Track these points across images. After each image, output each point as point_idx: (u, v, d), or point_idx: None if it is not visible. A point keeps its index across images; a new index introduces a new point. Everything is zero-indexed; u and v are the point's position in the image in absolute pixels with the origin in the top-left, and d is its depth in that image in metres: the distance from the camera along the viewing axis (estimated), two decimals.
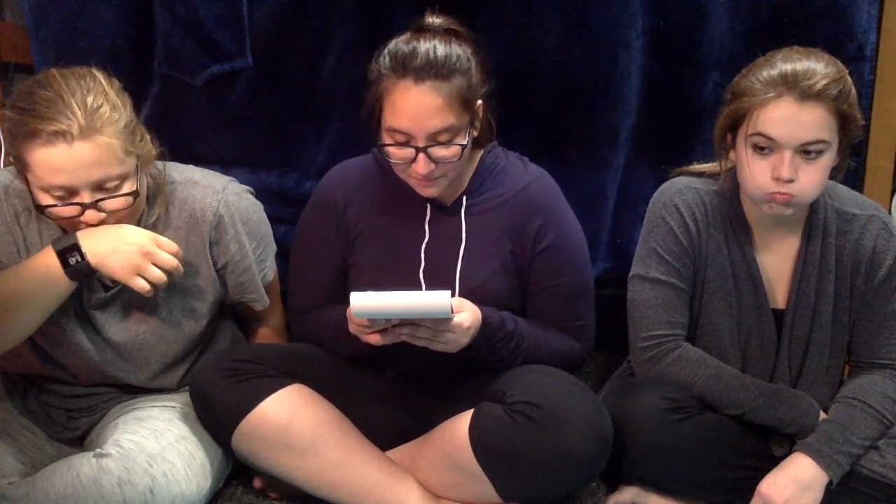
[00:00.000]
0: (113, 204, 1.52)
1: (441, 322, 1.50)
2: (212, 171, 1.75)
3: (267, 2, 1.98)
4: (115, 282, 1.61)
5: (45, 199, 1.51)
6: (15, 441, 1.67)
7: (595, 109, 2.01)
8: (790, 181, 1.52)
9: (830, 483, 1.55)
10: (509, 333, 1.63)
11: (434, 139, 1.56)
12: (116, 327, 1.67)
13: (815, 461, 1.55)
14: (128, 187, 1.53)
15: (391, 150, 1.60)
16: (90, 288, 1.64)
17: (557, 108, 2.02)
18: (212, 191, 1.68)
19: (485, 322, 1.58)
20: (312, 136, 2.10)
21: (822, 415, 1.62)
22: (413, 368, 1.74)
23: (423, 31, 1.60)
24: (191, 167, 1.74)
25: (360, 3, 1.97)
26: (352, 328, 1.55)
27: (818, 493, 1.55)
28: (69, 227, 1.56)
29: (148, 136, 1.59)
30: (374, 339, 1.52)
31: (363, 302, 1.44)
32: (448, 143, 1.57)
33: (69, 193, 1.50)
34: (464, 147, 1.59)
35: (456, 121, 1.56)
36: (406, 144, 1.57)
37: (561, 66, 1.99)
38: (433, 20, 1.62)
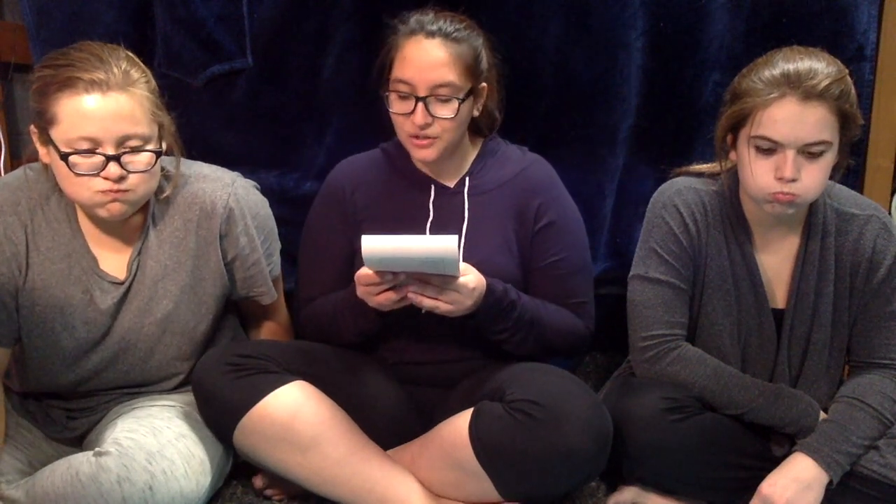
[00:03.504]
0: (135, 159, 1.53)
1: (447, 280, 1.54)
2: (219, 167, 1.77)
3: (267, 2, 1.98)
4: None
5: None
6: (13, 440, 1.67)
7: (595, 109, 2.02)
8: (793, 181, 1.52)
9: (830, 483, 1.55)
10: (512, 303, 1.65)
11: (434, 92, 1.63)
12: (122, 318, 1.67)
13: (816, 461, 1.55)
14: (150, 148, 1.55)
15: (393, 98, 1.67)
16: (102, 289, 1.65)
17: (557, 108, 2.02)
18: (221, 184, 1.70)
19: (489, 289, 1.61)
20: (312, 136, 2.10)
21: (822, 414, 1.62)
22: (414, 358, 1.75)
23: (443, 11, 1.68)
24: (198, 162, 1.75)
25: (360, 3, 1.97)
26: (359, 290, 1.58)
27: (819, 492, 1.55)
28: (86, 193, 1.53)
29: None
30: (383, 297, 1.55)
31: (374, 245, 1.48)
32: (447, 99, 1.64)
33: (94, 147, 1.51)
34: (461, 102, 1.64)
35: (457, 80, 1.64)
36: (408, 96, 1.64)
37: (561, 66, 1.99)
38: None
